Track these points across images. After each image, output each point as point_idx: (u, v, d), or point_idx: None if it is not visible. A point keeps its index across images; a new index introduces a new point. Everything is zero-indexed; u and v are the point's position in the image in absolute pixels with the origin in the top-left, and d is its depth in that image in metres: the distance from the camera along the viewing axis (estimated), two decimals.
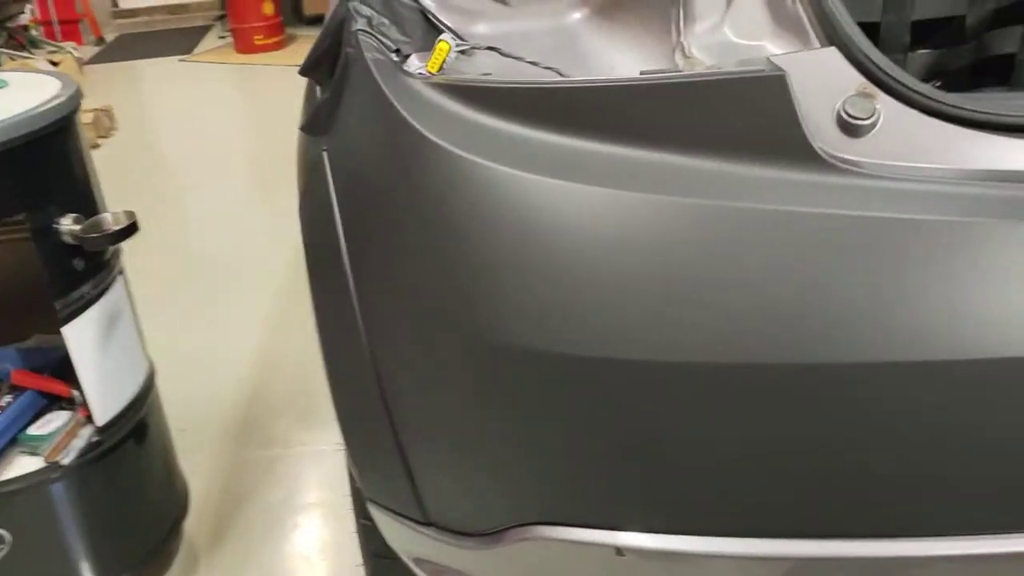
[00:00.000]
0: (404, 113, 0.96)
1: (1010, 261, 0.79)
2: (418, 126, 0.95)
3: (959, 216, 0.81)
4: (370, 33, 1.06)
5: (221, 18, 7.56)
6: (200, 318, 3.00)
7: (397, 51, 1.05)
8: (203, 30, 7.66)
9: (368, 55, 1.04)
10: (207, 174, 4.38)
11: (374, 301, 1.03)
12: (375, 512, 1.17)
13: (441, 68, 1.01)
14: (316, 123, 1.16)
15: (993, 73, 1.75)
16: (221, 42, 7.15)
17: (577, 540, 0.93)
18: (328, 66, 1.15)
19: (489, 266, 0.90)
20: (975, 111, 0.87)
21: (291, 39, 6.86)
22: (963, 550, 0.84)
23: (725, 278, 0.83)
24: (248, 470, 2.26)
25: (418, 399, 1.02)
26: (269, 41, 6.66)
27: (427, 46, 1.06)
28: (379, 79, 1.01)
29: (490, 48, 1.05)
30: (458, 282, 0.92)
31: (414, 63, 1.04)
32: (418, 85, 0.99)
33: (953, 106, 0.86)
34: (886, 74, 0.86)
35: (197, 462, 2.17)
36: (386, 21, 1.09)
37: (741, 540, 0.87)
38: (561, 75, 1.02)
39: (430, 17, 1.10)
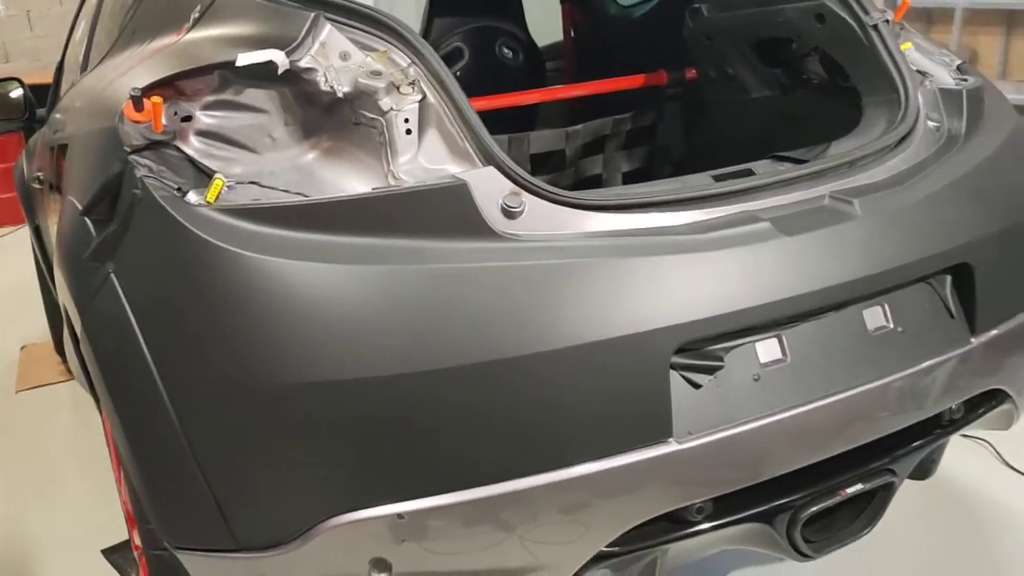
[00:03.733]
0: (198, 232, 1.32)
1: (609, 286, 1.32)
2: (210, 239, 1.31)
3: (578, 259, 1.33)
4: (153, 177, 1.39)
5: None
6: None
7: (178, 189, 1.39)
8: None
9: (156, 194, 1.37)
10: None
11: (178, 377, 1.34)
12: (184, 558, 1.43)
13: (217, 198, 1.37)
14: (103, 251, 1.44)
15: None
16: None
17: (367, 517, 1.29)
18: (109, 206, 1.45)
19: (267, 326, 1.28)
20: (581, 199, 1.41)
21: None
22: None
23: (436, 315, 1.28)
24: None
25: (222, 444, 1.34)
26: None
27: (199, 184, 1.41)
28: (170, 210, 1.35)
29: (251, 183, 1.43)
30: (248, 342, 1.28)
31: (193, 197, 1.38)
32: (203, 212, 1.34)
33: (568, 197, 1.40)
34: (526, 180, 1.39)
35: None
36: (163, 168, 1.42)
37: (467, 491, 1.29)
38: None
39: (197, 164, 1.45)
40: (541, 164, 2.46)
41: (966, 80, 1.87)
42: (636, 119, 2.50)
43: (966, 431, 1.71)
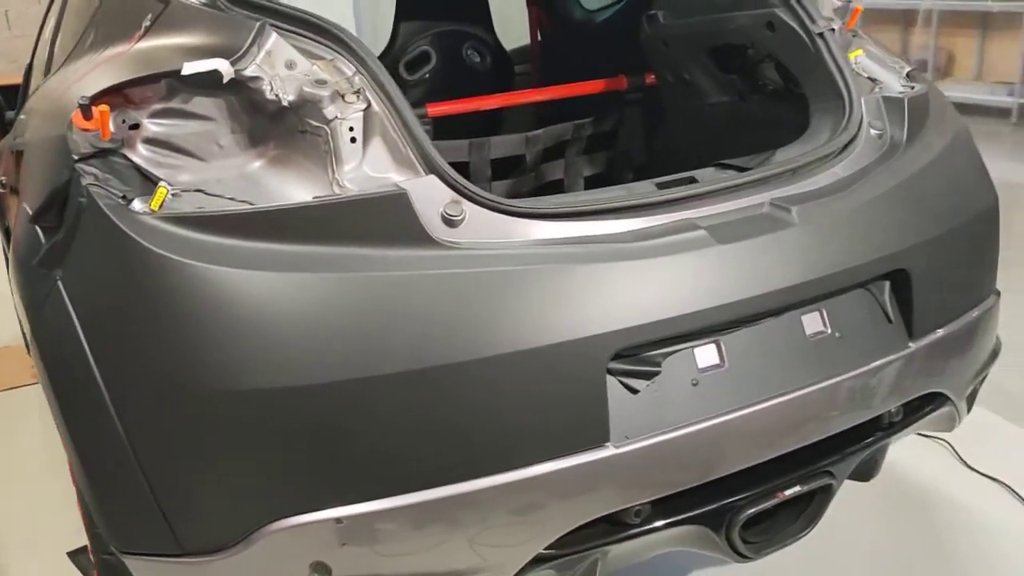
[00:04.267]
0: (140, 240, 1.33)
1: (545, 293, 1.34)
2: (152, 247, 1.32)
3: (515, 266, 1.36)
4: (99, 185, 1.41)
5: None
6: None
7: (123, 197, 1.40)
8: None
9: (101, 202, 1.38)
10: None
11: (121, 384, 1.35)
12: (132, 563, 1.44)
13: (162, 206, 1.39)
14: (51, 258, 1.46)
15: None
16: None
17: (306, 522, 1.31)
18: (57, 214, 1.47)
19: (207, 334, 1.30)
20: (521, 208, 1.43)
21: None
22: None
23: (376, 322, 1.30)
24: None
25: (164, 450, 1.35)
26: None
27: (145, 192, 1.42)
28: (114, 218, 1.36)
29: (197, 191, 1.44)
30: (188, 350, 1.30)
31: (138, 205, 1.40)
32: (146, 220, 1.36)
33: (508, 206, 1.42)
34: (467, 189, 1.41)
35: None
36: (110, 176, 1.43)
37: (405, 495, 1.31)
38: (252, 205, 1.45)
39: (143, 171, 1.46)
40: (503, 169, 2.49)
41: (913, 87, 1.90)
42: (597, 124, 2.53)
43: (926, 432, 1.75)
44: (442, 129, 2.42)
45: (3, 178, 2.61)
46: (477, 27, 2.88)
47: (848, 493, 2.30)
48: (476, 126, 2.56)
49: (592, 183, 2.61)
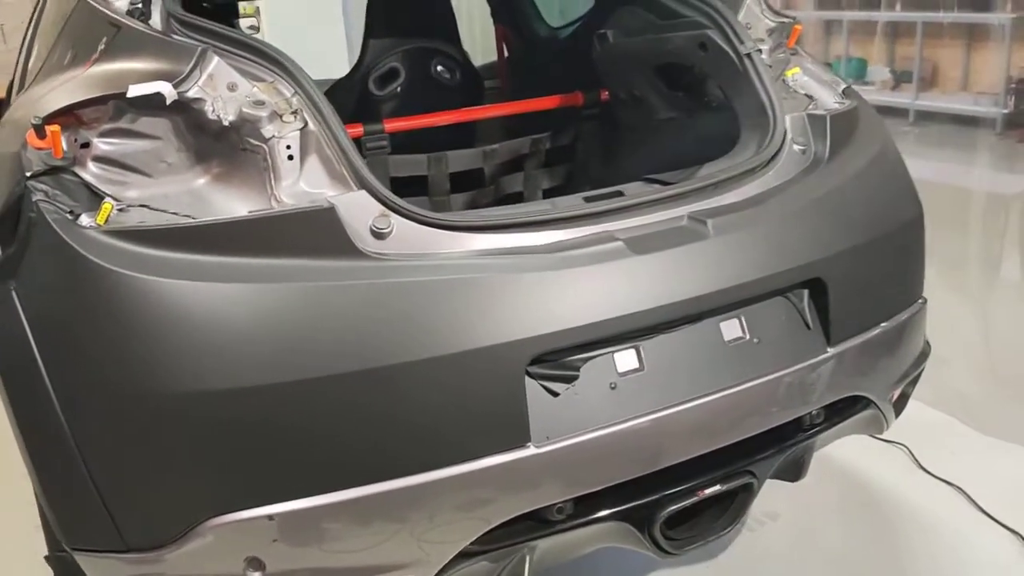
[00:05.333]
0: (85, 253, 1.41)
1: (466, 301, 1.42)
2: (96, 260, 1.40)
3: (438, 276, 1.44)
4: (48, 201, 1.49)
5: None
6: None
7: (71, 212, 1.48)
8: None
9: (49, 217, 1.46)
10: None
11: (68, 389, 1.43)
12: (82, 559, 1.52)
13: (107, 221, 1.47)
14: (5, 270, 1.54)
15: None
16: None
17: (240, 519, 1.39)
18: (11, 228, 1.55)
19: (146, 341, 1.38)
20: (448, 220, 1.51)
21: None
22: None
23: (305, 328, 1.38)
24: None
25: (107, 451, 1.43)
26: None
27: (93, 207, 1.50)
28: (61, 233, 1.44)
29: (142, 206, 1.52)
30: (129, 355, 1.38)
31: (85, 220, 1.48)
32: (91, 234, 1.44)
33: (435, 218, 1.50)
34: (395, 203, 1.49)
35: None
36: (59, 192, 1.51)
37: (331, 494, 1.39)
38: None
39: (92, 187, 1.54)
40: (465, 182, 2.56)
41: (844, 103, 1.98)
42: (555, 138, 2.61)
43: (885, 436, 1.77)
44: (413, 144, 2.51)
45: None
46: (445, 44, 2.95)
47: (805, 495, 2.37)
48: (445, 140, 2.63)
49: (552, 195, 2.69)
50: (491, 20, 3.31)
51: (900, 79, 7.44)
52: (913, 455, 2.80)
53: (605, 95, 2.54)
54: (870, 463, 2.79)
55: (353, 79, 2.89)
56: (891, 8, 7.40)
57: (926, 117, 7.18)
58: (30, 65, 2.61)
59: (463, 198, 2.59)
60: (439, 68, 2.98)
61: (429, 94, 2.88)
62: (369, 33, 2.94)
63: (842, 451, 2.59)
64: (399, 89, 2.90)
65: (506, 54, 3.26)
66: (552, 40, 3.01)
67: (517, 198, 2.63)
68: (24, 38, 3.15)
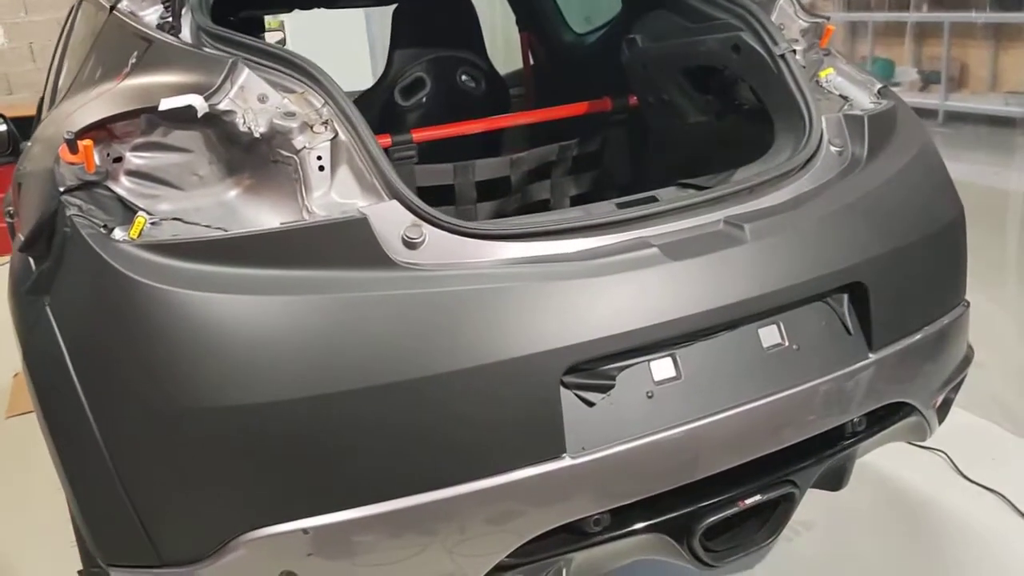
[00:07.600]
0: (119, 267, 1.41)
1: (500, 311, 1.40)
2: (130, 273, 1.40)
3: (472, 286, 1.42)
4: (82, 216, 1.49)
5: None
6: None
7: (105, 226, 1.48)
8: None
9: (83, 232, 1.46)
10: None
11: (103, 405, 1.43)
12: (116, 575, 1.51)
13: (140, 234, 1.47)
14: (40, 286, 1.54)
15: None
16: None
17: (274, 533, 1.37)
18: (45, 243, 1.55)
19: (182, 355, 1.37)
20: (480, 229, 1.50)
21: None
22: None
23: (339, 340, 1.37)
24: None
25: (143, 467, 1.43)
26: None
27: (126, 221, 1.50)
28: (96, 247, 1.44)
29: (175, 219, 1.52)
30: (164, 370, 1.37)
31: (118, 234, 1.48)
32: (125, 247, 1.44)
33: (467, 227, 1.49)
34: (427, 213, 1.47)
35: None
36: (93, 207, 1.51)
37: (366, 507, 1.37)
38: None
39: (125, 201, 1.55)
40: (492, 191, 2.55)
41: (880, 103, 1.95)
42: (583, 145, 2.59)
43: (926, 444, 1.73)
44: (440, 153, 2.50)
45: (11, 208, 2.72)
46: (470, 53, 2.94)
47: (841, 503, 2.33)
48: (471, 149, 2.62)
49: (579, 202, 2.67)
50: (514, 29, 3.29)
51: (928, 80, 7.35)
52: (953, 462, 2.75)
53: (634, 100, 2.52)
54: (909, 470, 2.74)
55: (379, 90, 2.89)
56: (918, 9, 7.33)
57: (956, 118, 7.08)
58: (60, 82, 2.64)
59: (489, 206, 2.57)
60: (464, 77, 2.97)
61: (455, 103, 2.87)
62: (395, 44, 2.94)
63: (880, 458, 2.55)
64: (425, 99, 2.90)
65: (531, 61, 3.24)
66: (578, 46, 2.99)
67: (544, 205, 2.62)
68: (53, 56, 3.18)
